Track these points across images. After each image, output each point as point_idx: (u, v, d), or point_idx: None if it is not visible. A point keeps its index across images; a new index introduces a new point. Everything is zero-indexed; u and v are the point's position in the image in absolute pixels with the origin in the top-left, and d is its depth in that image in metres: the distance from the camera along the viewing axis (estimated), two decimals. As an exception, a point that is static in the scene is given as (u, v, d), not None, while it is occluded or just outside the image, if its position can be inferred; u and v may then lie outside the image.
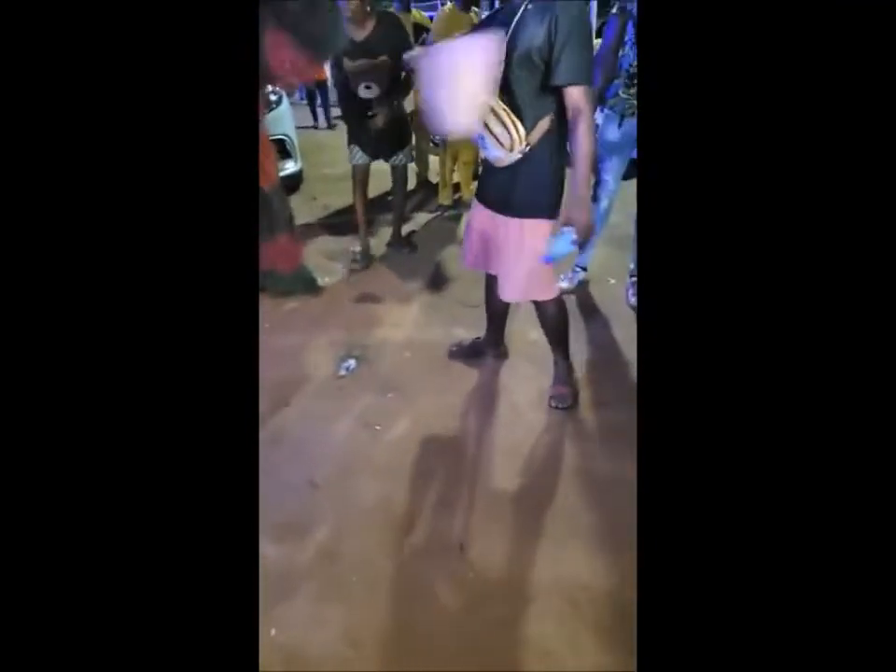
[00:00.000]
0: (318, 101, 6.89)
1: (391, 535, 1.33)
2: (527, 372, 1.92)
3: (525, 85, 1.35)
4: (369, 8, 2.23)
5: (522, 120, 1.35)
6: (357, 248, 2.84)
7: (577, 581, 1.21)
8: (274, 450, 1.58)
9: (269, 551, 1.29)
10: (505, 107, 1.35)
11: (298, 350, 2.08)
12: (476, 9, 3.26)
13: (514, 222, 1.50)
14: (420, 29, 3.27)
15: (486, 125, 1.36)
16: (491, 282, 1.78)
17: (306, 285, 2.44)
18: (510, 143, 1.35)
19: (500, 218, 1.53)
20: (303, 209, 3.43)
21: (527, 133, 1.37)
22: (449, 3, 3.17)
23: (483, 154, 1.49)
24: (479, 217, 1.62)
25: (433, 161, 3.76)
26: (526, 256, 1.51)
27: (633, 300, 2.35)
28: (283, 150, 3.48)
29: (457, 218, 3.41)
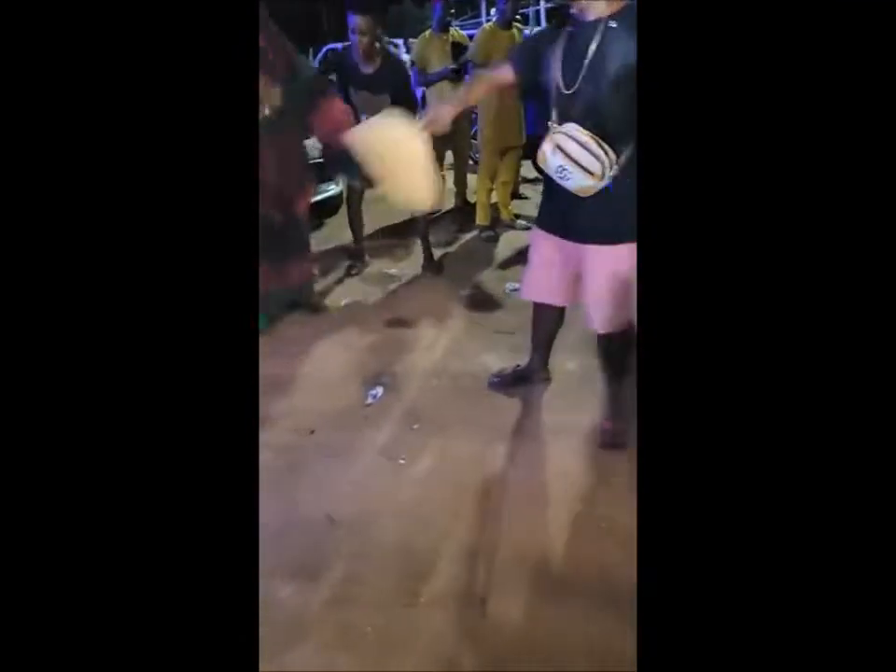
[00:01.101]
0: None
1: (409, 581, 1.26)
2: (563, 406, 1.82)
3: (615, 108, 1.27)
4: (378, 45, 2.40)
5: (612, 145, 1.28)
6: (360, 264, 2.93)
7: (608, 647, 1.10)
8: (294, 480, 1.55)
9: (281, 591, 1.24)
10: (591, 134, 1.27)
11: (325, 375, 2.06)
12: (519, 26, 3.21)
13: (606, 250, 1.41)
14: (458, 48, 3.25)
15: (569, 156, 1.29)
16: (540, 309, 1.72)
17: (306, 297, 2.39)
18: (600, 171, 1.27)
19: (587, 247, 1.45)
20: (339, 232, 3.46)
21: (617, 158, 1.29)
22: (492, 20, 3.14)
23: (564, 185, 1.37)
24: (552, 248, 1.54)
25: (472, 179, 3.72)
26: (621, 283, 1.43)
27: None
28: (325, 173, 3.52)
29: (495, 239, 3.35)
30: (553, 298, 1.64)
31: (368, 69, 2.39)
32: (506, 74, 1.47)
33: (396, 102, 2.40)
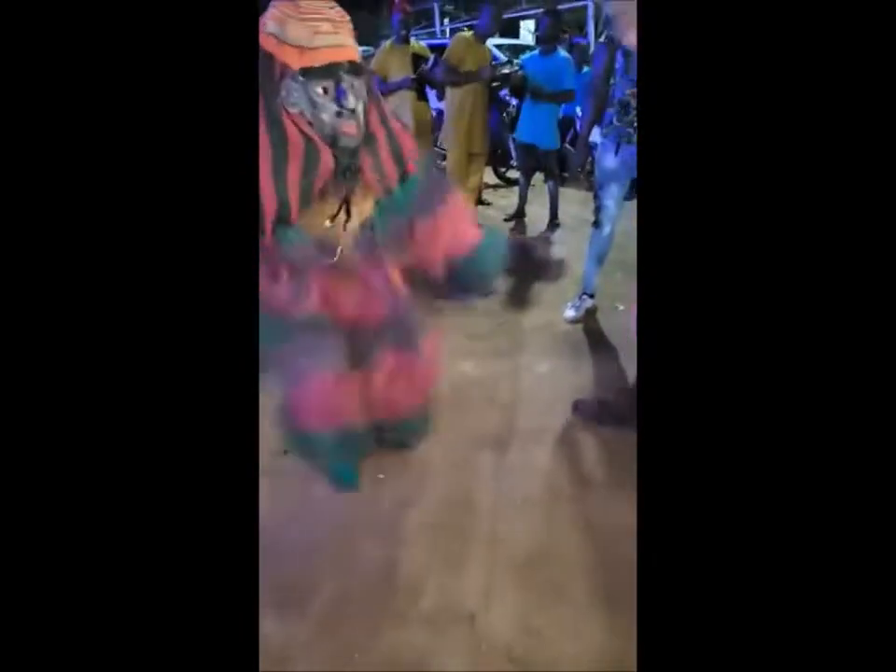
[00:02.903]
0: None
1: (396, 602, 1.24)
2: (543, 410, 1.84)
3: None
4: None
5: None
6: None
7: (604, 658, 1.11)
8: (270, 502, 1.50)
9: (266, 624, 1.19)
10: None
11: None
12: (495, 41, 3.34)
13: None
14: (418, 59, 3.26)
15: None
16: None
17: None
18: None
19: None
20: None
21: None
22: (467, 31, 3.20)
23: None
24: None
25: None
26: None
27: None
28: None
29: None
30: None
31: None
32: None
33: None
